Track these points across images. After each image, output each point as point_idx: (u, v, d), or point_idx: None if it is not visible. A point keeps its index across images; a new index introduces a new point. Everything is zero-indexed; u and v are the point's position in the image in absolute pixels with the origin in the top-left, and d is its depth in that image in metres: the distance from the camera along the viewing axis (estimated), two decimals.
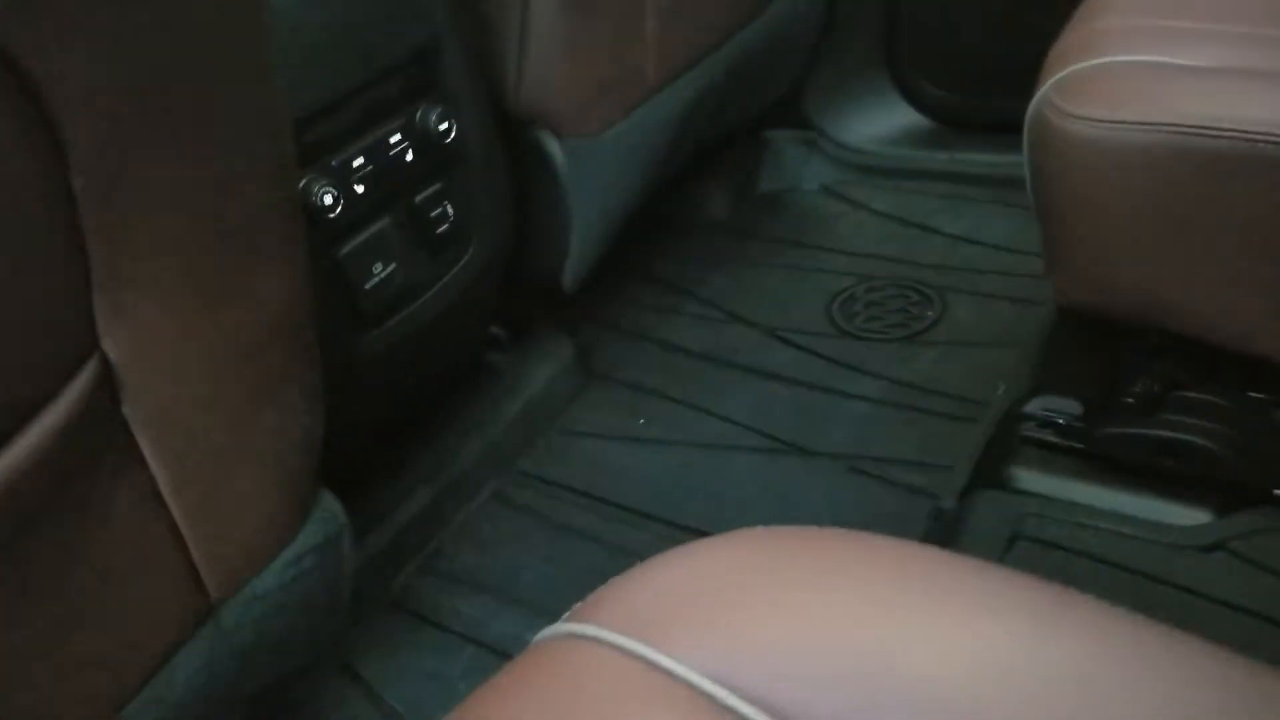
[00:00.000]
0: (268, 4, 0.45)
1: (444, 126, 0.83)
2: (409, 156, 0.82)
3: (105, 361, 0.44)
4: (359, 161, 0.78)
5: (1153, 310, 0.76)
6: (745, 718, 0.36)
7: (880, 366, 1.09)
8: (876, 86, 1.39)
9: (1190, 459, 0.82)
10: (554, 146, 0.97)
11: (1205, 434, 0.80)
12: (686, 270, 1.28)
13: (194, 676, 0.57)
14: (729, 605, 0.40)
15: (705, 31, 1.10)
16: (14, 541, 0.44)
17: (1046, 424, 0.87)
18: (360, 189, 0.78)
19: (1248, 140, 0.65)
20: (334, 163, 0.76)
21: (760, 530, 0.44)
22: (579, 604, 0.44)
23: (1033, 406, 0.88)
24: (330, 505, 0.64)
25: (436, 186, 0.85)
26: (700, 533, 0.95)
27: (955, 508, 0.86)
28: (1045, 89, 0.75)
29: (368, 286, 0.80)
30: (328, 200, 0.73)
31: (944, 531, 0.85)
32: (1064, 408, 0.87)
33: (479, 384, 1.08)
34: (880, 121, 1.39)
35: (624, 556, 0.93)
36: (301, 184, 0.73)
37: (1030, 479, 0.86)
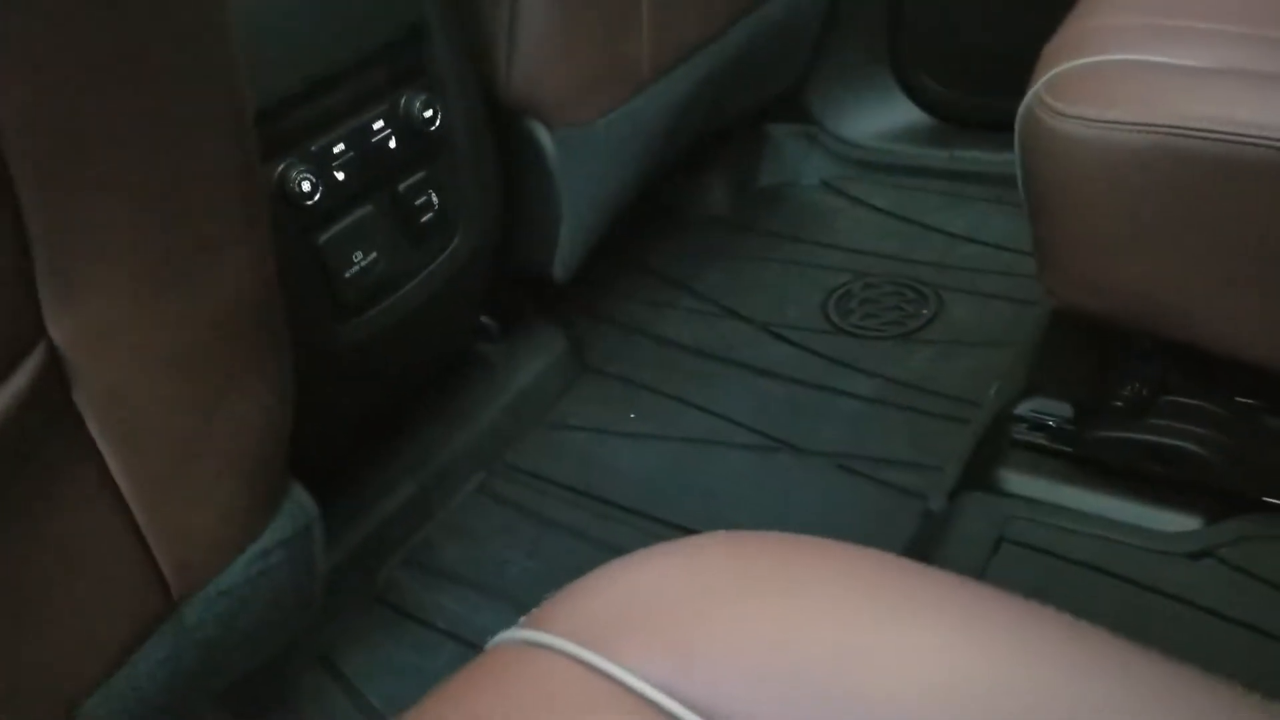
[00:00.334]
0: None
1: (429, 114, 0.82)
2: (392, 144, 0.81)
3: (53, 349, 0.43)
4: (340, 148, 0.77)
5: (1143, 313, 0.75)
6: None
7: (875, 364, 1.08)
8: (878, 82, 1.38)
9: (1180, 464, 0.80)
10: (545, 136, 0.95)
11: (1195, 439, 0.79)
12: (682, 264, 1.27)
13: (156, 670, 0.56)
14: (685, 614, 0.39)
15: (702, 23, 1.08)
16: None
17: (1037, 426, 0.86)
18: (341, 176, 0.77)
19: (1240, 142, 0.64)
20: (313, 148, 0.75)
21: (726, 535, 0.43)
22: (536, 609, 0.43)
23: (1024, 408, 0.87)
24: (300, 498, 0.63)
25: (420, 175, 0.84)
26: (689, 530, 0.94)
27: (944, 509, 0.85)
28: (1037, 87, 0.73)
29: (347, 275, 0.79)
30: (305, 186, 0.72)
31: (930, 533, 0.84)
32: (1055, 410, 0.86)
33: (468, 375, 1.08)
34: (881, 117, 1.38)
35: (610, 553, 0.91)
36: (279, 170, 0.72)
37: (1019, 482, 0.85)
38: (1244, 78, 0.69)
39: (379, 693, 0.84)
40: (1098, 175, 0.69)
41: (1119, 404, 0.83)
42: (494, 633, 0.85)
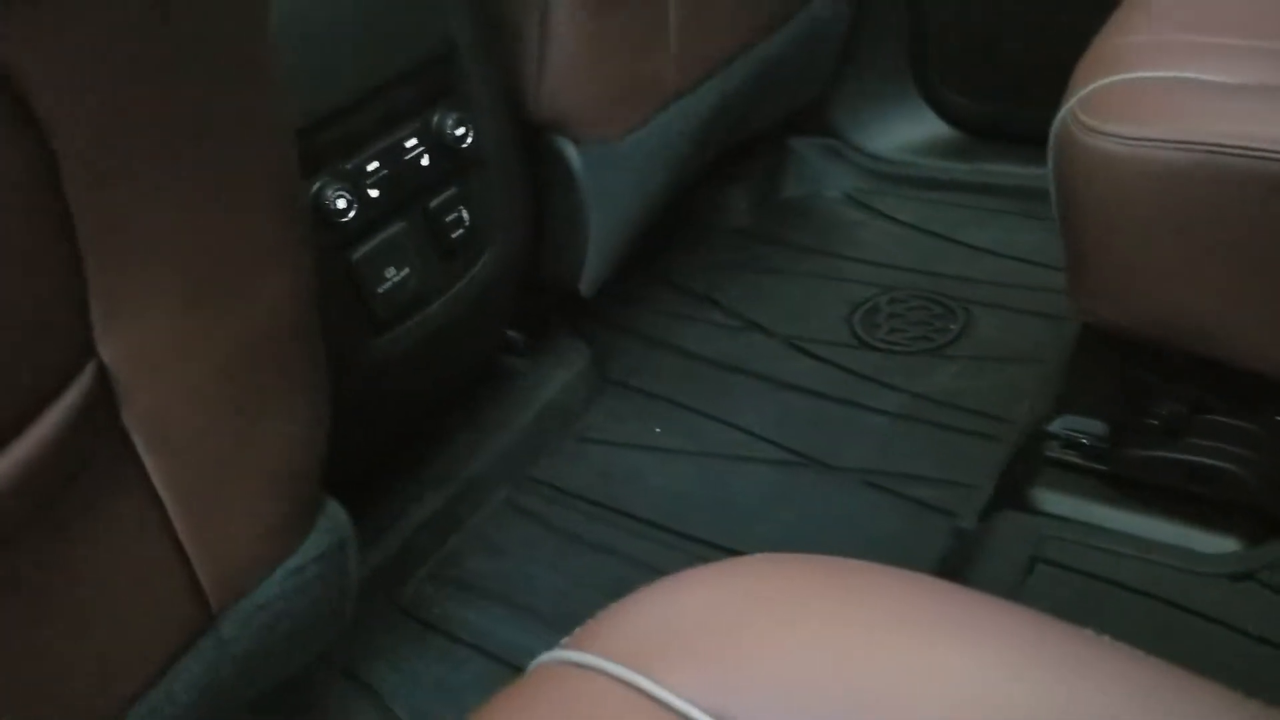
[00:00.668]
0: (271, 5, 0.45)
1: (460, 131, 0.82)
2: (424, 161, 0.81)
3: (102, 369, 0.43)
4: (373, 165, 0.77)
5: (1179, 331, 0.74)
6: None
7: (901, 380, 1.08)
8: (902, 95, 1.38)
9: (1218, 485, 0.79)
10: (572, 153, 0.96)
11: (1234, 459, 0.78)
12: (706, 277, 1.27)
13: (194, 683, 0.56)
14: (731, 636, 0.39)
15: (728, 39, 1.09)
16: (11, 548, 0.44)
17: (1070, 444, 0.85)
18: (374, 193, 0.77)
19: (1278, 159, 0.63)
20: (348, 166, 0.76)
21: (767, 558, 0.43)
22: (579, 629, 0.43)
23: (1056, 426, 0.87)
24: (335, 514, 0.63)
25: (452, 191, 0.85)
26: (713, 545, 0.94)
27: (976, 528, 0.84)
28: (1071, 104, 0.73)
29: (380, 291, 0.80)
30: (341, 204, 0.73)
31: (963, 552, 0.83)
32: (1088, 428, 0.85)
33: (494, 388, 1.08)
34: (905, 130, 1.38)
35: (635, 568, 0.93)
36: (314, 188, 0.72)
37: (1052, 500, 0.84)
38: None
39: (404, 705, 0.84)
40: (1133, 192, 0.69)
41: (1154, 422, 0.82)
42: (519, 647, 0.86)
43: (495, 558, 0.96)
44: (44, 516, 0.44)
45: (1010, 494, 0.86)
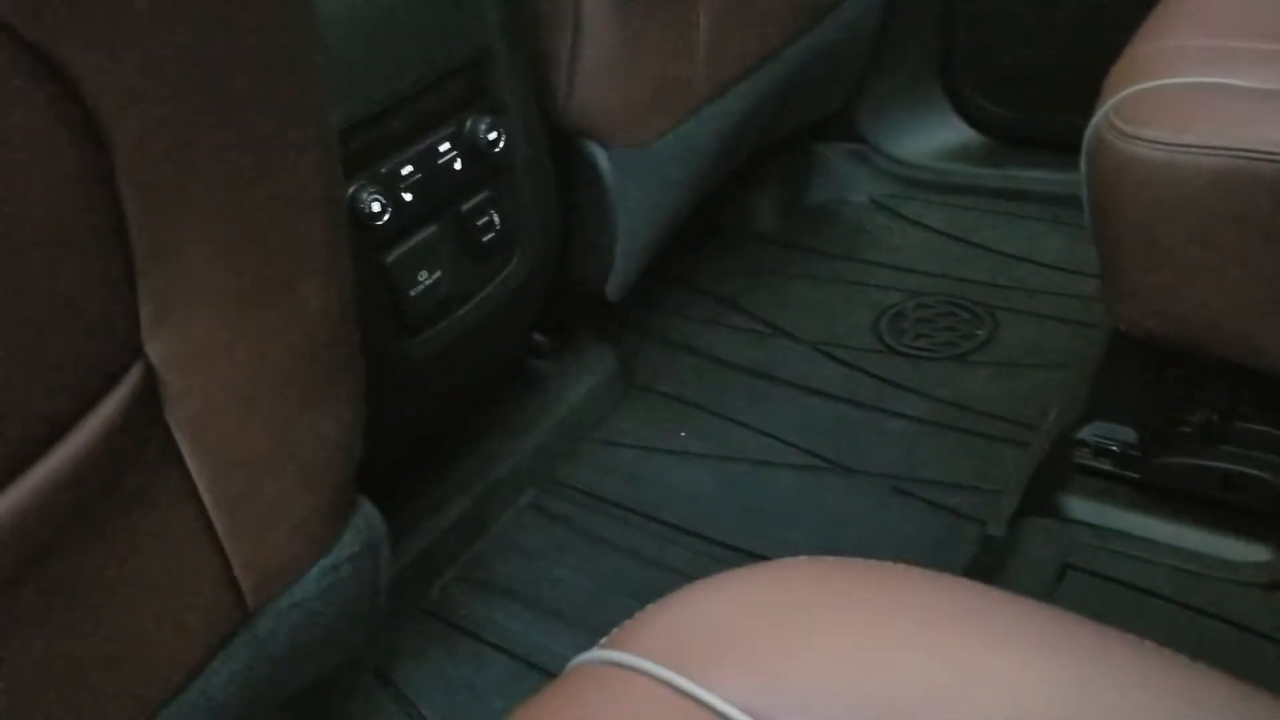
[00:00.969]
0: (315, 6, 0.45)
1: (493, 136, 0.83)
2: (457, 165, 0.82)
3: (149, 369, 0.44)
4: (408, 169, 0.78)
5: (1214, 337, 0.73)
6: None
7: (928, 385, 1.07)
8: (929, 100, 1.38)
9: (1251, 493, 0.79)
10: (601, 157, 0.96)
11: (1268, 467, 0.78)
12: (731, 281, 1.27)
13: (230, 681, 0.57)
14: (769, 638, 0.39)
15: (757, 44, 1.09)
16: (55, 546, 0.44)
17: (1101, 451, 0.85)
18: (408, 197, 0.78)
19: None
20: (383, 170, 0.76)
21: (805, 560, 0.43)
22: (617, 629, 0.43)
23: (1086, 433, 0.86)
24: (369, 514, 0.64)
25: (483, 195, 0.85)
26: (738, 550, 0.94)
27: (1004, 534, 0.84)
28: (1105, 110, 0.73)
29: (413, 293, 0.80)
30: (376, 207, 0.74)
31: (992, 559, 0.83)
32: (1119, 435, 0.84)
33: (521, 392, 1.08)
34: (932, 136, 1.38)
35: (660, 571, 0.93)
36: (350, 191, 0.73)
37: (1083, 508, 0.83)
38: None
39: (431, 706, 0.85)
40: (1168, 199, 0.68)
41: (1187, 429, 0.81)
42: (546, 649, 0.86)
43: (522, 560, 0.96)
44: (87, 515, 0.45)
45: (1038, 501, 0.86)
